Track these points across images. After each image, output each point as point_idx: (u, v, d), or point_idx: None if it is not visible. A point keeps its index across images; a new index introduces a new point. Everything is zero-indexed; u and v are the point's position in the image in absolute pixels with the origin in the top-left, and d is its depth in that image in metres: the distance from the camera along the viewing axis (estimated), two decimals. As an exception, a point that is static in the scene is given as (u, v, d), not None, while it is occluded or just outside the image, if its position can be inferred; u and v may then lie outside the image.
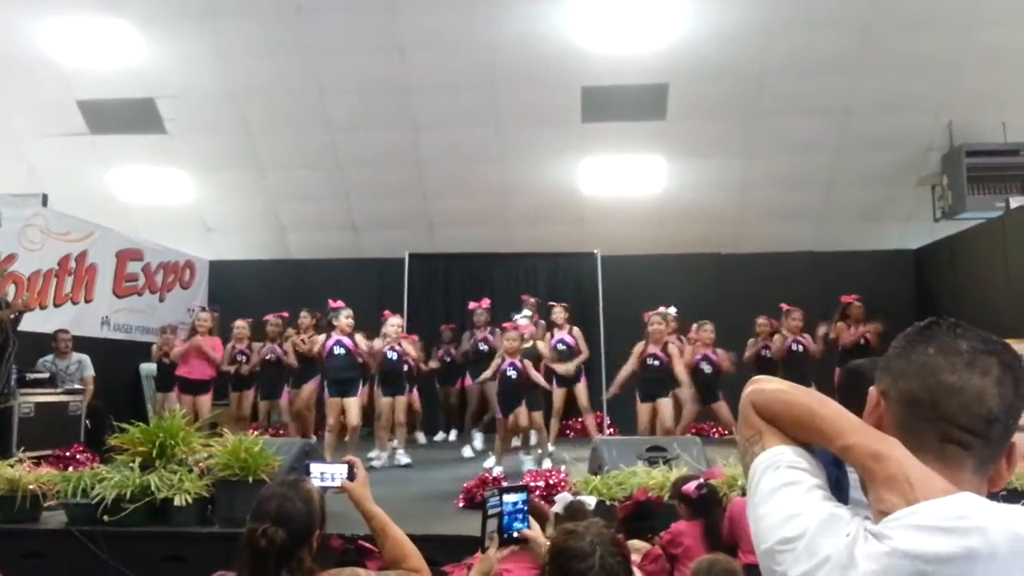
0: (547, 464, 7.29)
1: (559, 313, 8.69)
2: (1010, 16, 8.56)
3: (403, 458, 8.05)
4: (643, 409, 7.67)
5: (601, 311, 10.41)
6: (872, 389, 1.13)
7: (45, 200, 9.64)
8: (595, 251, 10.80)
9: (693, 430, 8.49)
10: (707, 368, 8.36)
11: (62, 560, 4.99)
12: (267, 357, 8.93)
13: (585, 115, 9.89)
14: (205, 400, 8.59)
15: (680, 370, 7.72)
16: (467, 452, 8.73)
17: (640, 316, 8.86)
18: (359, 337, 7.95)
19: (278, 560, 2.10)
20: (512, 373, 7.48)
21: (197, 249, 11.88)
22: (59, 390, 7.85)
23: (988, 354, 1.06)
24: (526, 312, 8.82)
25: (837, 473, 1.16)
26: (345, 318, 7.82)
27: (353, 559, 3.26)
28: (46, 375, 7.93)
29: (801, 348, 8.52)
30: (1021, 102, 9.38)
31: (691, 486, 4.26)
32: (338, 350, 7.76)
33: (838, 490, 1.12)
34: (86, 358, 8.53)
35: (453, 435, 10.31)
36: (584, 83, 9.55)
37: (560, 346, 8.51)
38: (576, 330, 8.66)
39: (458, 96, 9.69)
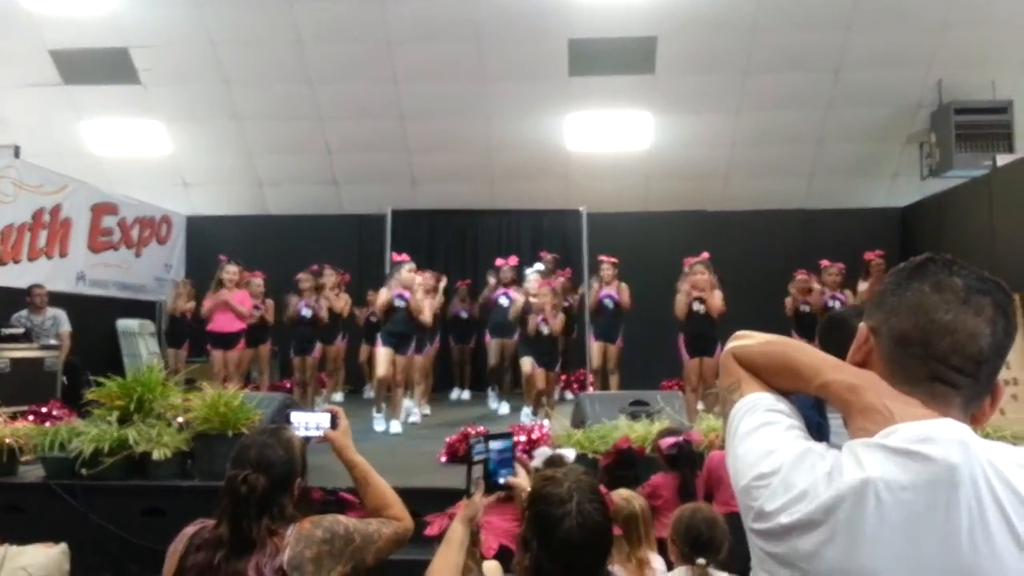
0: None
1: (608, 270, 8.72)
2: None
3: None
4: (691, 365, 7.45)
5: (586, 269, 10.36)
6: (861, 325, 1.13)
7: (17, 152, 9.41)
8: (580, 208, 10.71)
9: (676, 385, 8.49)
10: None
11: (40, 513, 4.98)
12: (302, 313, 8.93)
13: (572, 68, 9.75)
14: (234, 354, 8.52)
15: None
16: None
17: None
18: (420, 293, 7.87)
19: (259, 506, 2.10)
20: (544, 329, 7.62)
21: (174, 204, 11.68)
22: (34, 345, 7.70)
23: (983, 293, 1.05)
24: (538, 267, 8.78)
25: (819, 419, 1.20)
26: (407, 271, 7.72)
27: (334, 510, 3.23)
28: (21, 330, 7.77)
29: (838, 304, 8.30)
30: (1010, 60, 9.34)
31: (665, 442, 4.33)
32: (398, 303, 7.66)
33: (820, 435, 1.13)
34: (62, 313, 8.39)
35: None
36: (571, 35, 9.40)
37: (607, 301, 8.61)
38: (624, 286, 8.70)
39: (441, 48, 9.52)
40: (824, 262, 8.60)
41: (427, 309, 8.12)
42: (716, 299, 7.37)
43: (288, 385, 9.38)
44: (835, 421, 1.16)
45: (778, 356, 1.18)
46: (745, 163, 10.73)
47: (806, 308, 8.47)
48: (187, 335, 9.54)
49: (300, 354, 8.96)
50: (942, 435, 0.96)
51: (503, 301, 9.27)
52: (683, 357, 7.55)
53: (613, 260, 8.84)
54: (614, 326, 8.67)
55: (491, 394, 9.42)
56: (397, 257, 8.09)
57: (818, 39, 9.25)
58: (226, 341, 8.49)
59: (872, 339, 1.11)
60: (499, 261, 9.57)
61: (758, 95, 9.88)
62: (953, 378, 1.04)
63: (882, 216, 11.07)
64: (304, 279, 9.05)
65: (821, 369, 1.12)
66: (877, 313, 1.12)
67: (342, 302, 9.31)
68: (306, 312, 8.92)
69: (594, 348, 8.74)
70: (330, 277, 9.28)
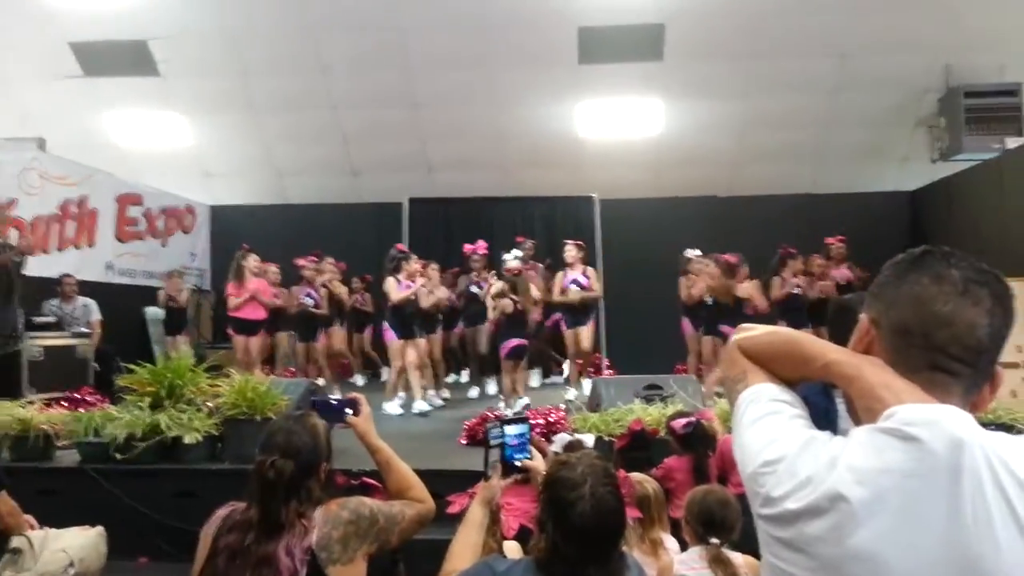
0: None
1: (571, 251, 8.40)
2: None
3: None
4: (705, 341, 7.71)
5: (600, 255, 10.47)
6: (862, 316, 1.16)
7: (42, 144, 9.60)
8: (592, 195, 10.80)
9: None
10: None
11: (75, 497, 5.12)
12: (304, 301, 9.09)
13: (582, 56, 9.79)
14: (256, 341, 8.67)
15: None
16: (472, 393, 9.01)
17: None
18: (421, 281, 8.07)
19: (287, 490, 2.18)
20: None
21: (197, 194, 11.86)
22: (66, 333, 7.90)
23: (980, 284, 1.07)
24: (516, 252, 8.73)
25: (826, 403, 1.19)
26: (414, 263, 7.99)
27: (357, 494, 3.39)
28: (52, 319, 7.98)
29: (799, 291, 8.51)
30: (1019, 43, 9.27)
31: (679, 423, 4.39)
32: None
33: (827, 421, 1.15)
34: (92, 302, 8.58)
35: (465, 376, 10.44)
36: (580, 23, 9.44)
37: (573, 285, 8.33)
38: (591, 270, 8.51)
39: (452, 37, 9.57)
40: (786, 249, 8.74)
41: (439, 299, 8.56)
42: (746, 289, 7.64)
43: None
44: (842, 407, 1.17)
45: (782, 343, 1.20)
46: (755, 148, 10.75)
47: (798, 291, 8.53)
48: (183, 324, 9.89)
49: (303, 341, 9.17)
50: (944, 421, 0.97)
51: (474, 290, 9.24)
52: (689, 338, 7.75)
53: (578, 243, 8.56)
54: (583, 311, 8.36)
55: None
56: (401, 248, 8.23)
57: (825, 24, 9.23)
58: (249, 328, 8.69)
59: (873, 330, 1.13)
60: (467, 248, 9.25)
61: (767, 80, 9.90)
62: (953, 367, 1.06)
63: (892, 200, 11.08)
64: (305, 266, 9.20)
65: (826, 350, 1.14)
66: (877, 304, 1.13)
67: (342, 290, 9.48)
68: (307, 300, 9.07)
69: (567, 336, 8.48)
70: (329, 269, 9.45)
